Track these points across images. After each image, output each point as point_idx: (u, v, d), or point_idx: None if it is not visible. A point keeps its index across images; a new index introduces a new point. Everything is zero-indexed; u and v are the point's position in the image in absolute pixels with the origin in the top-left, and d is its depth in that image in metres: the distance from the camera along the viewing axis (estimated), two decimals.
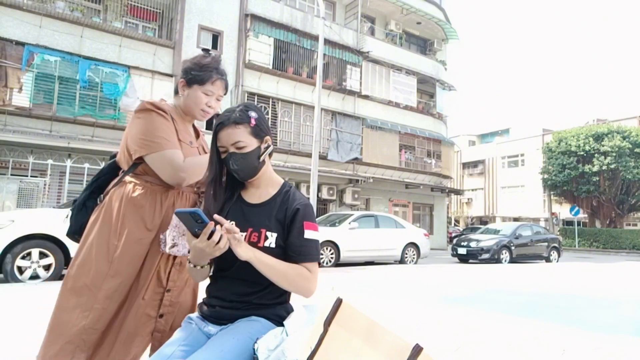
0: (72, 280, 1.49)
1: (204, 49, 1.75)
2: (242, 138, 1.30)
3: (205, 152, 1.73)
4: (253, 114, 1.33)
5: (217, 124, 1.33)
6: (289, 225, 1.32)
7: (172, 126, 1.56)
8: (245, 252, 1.19)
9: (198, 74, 1.61)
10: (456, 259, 13.93)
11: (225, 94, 1.71)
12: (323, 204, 17.92)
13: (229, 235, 1.17)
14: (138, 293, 1.49)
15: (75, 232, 1.61)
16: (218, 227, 1.17)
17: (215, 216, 1.19)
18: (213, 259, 1.29)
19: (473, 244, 13.42)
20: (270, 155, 1.42)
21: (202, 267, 1.28)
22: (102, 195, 1.59)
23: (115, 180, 1.59)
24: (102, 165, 12.13)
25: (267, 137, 1.37)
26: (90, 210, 1.59)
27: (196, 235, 1.17)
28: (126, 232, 1.47)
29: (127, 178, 1.54)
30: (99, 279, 1.46)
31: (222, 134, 1.31)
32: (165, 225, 1.51)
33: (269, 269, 1.23)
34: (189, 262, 1.28)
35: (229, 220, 1.30)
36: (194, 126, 1.79)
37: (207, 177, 1.37)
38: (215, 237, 1.15)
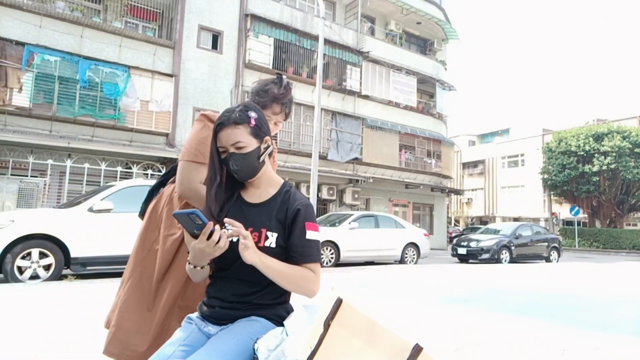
0: (129, 260, 1.69)
1: (277, 74, 1.79)
2: (241, 138, 1.30)
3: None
4: (253, 114, 1.33)
5: (216, 124, 1.32)
6: (290, 226, 1.31)
7: None
8: (251, 256, 1.18)
9: (260, 99, 1.70)
10: (456, 259, 13.93)
11: (286, 119, 1.76)
12: (323, 204, 17.92)
13: (240, 240, 1.17)
14: (169, 287, 1.56)
15: (143, 214, 1.80)
16: (217, 226, 1.16)
17: (227, 220, 1.20)
18: (212, 259, 1.29)
19: (473, 244, 13.42)
20: (270, 155, 1.42)
21: (201, 267, 1.28)
22: (162, 188, 1.77)
23: (172, 179, 1.74)
24: (102, 165, 12.17)
25: (267, 138, 1.37)
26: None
27: (195, 236, 1.17)
28: (162, 227, 1.64)
29: None
30: (136, 263, 1.64)
31: (221, 134, 1.31)
32: None
33: (274, 272, 1.22)
34: (189, 263, 1.28)
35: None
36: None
37: (208, 178, 1.36)
38: (215, 237, 1.15)
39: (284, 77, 1.77)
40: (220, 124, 1.31)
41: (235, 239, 1.23)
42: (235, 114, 1.31)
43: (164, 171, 13.18)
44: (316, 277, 1.29)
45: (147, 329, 1.52)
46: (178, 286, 1.57)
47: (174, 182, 1.71)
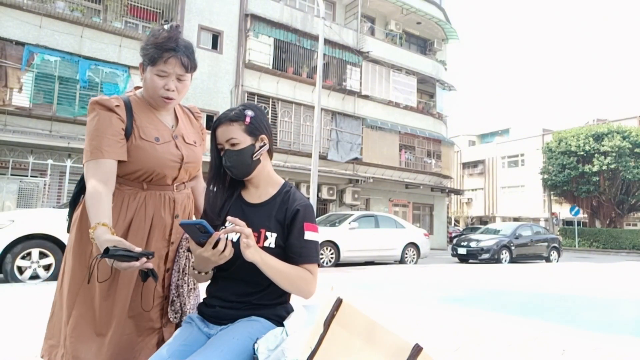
0: (63, 282, 1.46)
1: (165, 21, 1.47)
2: (235, 135, 1.32)
3: (200, 139, 1.63)
4: (249, 112, 1.34)
5: (215, 121, 1.35)
6: (289, 226, 1.32)
7: (117, 126, 1.38)
8: (252, 254, 1.19)
9: (148, 53, 1.40)
10: (456, 259, 13.93)
11: (188, 72, 1.45)
12: (323, 204, 17.91)
13: (242, 239, 1.18)
14: (119, 301, 1.39)
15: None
16: (222, 236, 1.18)
17: (230, 218, 1.20)
18: None
19: (473, 244, 13.41)
20: (270, 155, 1.42)
21: (205, 273, 1.30)
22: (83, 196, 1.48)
23: None
24: None
25: (263, 136, 1.37)
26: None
27: (201, 245, 1.18)
28: None
29: None
30: (76, 285, 1.41)
31: (218, 131, 1.34)
32: (135, 228, 1.43)
33: (274, 271, 1.23)
34: (193, 268, 1.30)
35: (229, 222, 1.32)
36: (190, 110, 1.67)
37: (209, 175, 1.38)
38: (221, 247, 1.17)
39: (169, 21, 1.51)
40: (218, 121, 1.34)
41: (236, 238, 1.24)
42: (232, 112, 1.34)
43: None
44: (313, 278, 1.30)
45: (105, 356, 1.36)
46: (126, 298, 1.39)
47: None
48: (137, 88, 1.56)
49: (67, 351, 1.40)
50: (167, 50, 1.39)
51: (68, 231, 1.53)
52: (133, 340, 1.40)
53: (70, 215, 1.54)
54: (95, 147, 1.35)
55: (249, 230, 1.19)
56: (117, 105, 1.41)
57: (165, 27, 1.44)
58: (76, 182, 1.55)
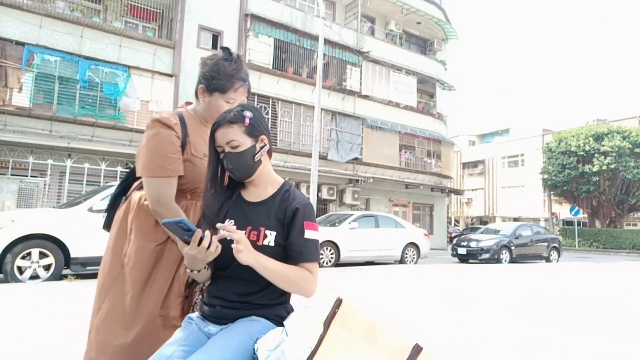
0: (98, 277, 1.57)
1: (222, 48, 1.61)
2: (235, 137, 1.31)
3: None
4: (248, 114, 1.34)
5: (213, 124, 1.34)
6: (288, 225, 1.32)
7: (177, 144, 1.51)
8: (246, 258, 1.18)
9: (219, 82, 1.53)
10: (456, 259, 13.93)
11: (248, 97, 1.62)
12: (323, 204, 17.92)
13: (234, 244, 1.17)
14: (152, 301, 1.47)
15: (108, 226, 1.69)
16: (207, 232, 1.17)
17: (219, 225, 1.20)
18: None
19: (473, 244, 13.42)
20: (270, 155, 1.42)
21: (198, 271, 1.29)
22: (125, 196, 1.66)
23: (137, 183, 1.63)
24: (102, 165, 12.17)
25: (263, 137, 1.37)
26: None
27: (187, 243, 1.18)
28: (133, 238, 1.52)
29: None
30: (110, 280, 1.51)
31: (217, 134, 1.33)
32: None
33: (271, 272, 1.23)
34: (186, 267, 1.30)
35: (229, 221, 1.31)
36: None
37: (207, 177, 1.37)
38: (205, 243, 1.16)
39: (229, 48, 1.61)
40: (217, 124, 1.33)
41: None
42: (231, 114, 1.33)
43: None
44: (313, 277, 1.29)
45: (131, 351, 1.43)
46: (160, 298, 1.48)
47: (139, 188, 1.60)
48: (188, 104, 1.68)
49: (92, 343, 1.47)
50: (238, 79, 1.55)
51: (103, 228, 1.69)
52: (160, 336, 1.46)
53: (110, 214, 1.67)
54: (159, 165, 1.47)
55: (239, 235, 1.18)
56: (175, 124, 1.53)
57: (234, 56, 1.56)
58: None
